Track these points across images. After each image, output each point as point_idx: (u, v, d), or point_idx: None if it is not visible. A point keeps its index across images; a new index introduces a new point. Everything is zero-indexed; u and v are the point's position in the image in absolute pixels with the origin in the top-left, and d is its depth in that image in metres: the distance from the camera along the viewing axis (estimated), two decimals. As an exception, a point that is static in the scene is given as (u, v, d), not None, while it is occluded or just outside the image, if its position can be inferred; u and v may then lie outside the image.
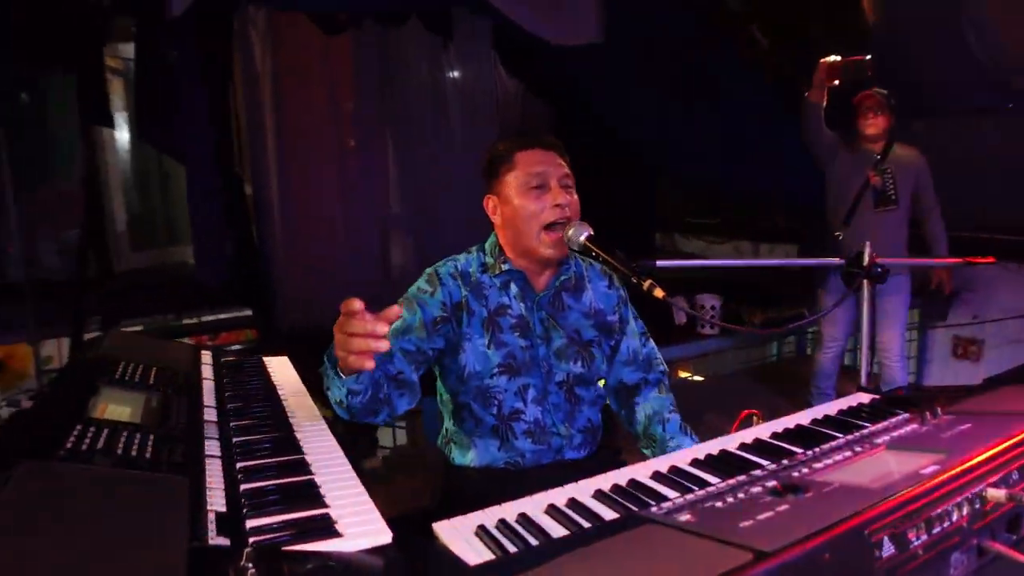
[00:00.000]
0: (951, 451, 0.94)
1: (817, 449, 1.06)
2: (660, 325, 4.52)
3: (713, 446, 1.20)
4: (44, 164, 4.73)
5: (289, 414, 1.30)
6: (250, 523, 0.84)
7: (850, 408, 1.35)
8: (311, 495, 0.94)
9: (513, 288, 1.53)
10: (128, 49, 4.27)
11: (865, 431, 1.14)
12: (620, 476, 1.08)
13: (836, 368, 3.56)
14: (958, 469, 0.87)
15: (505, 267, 1.52)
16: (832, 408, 1.36)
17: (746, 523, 0.77)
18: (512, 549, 0.87)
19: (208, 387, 1.37)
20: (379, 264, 4.96)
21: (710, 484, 0.99)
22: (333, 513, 0.89)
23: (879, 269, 1.55)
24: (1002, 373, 1.41)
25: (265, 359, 1.73)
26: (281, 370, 1.65)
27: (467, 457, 1.53)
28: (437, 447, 1.65)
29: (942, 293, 3.54)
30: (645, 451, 1.60)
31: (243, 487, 0.95)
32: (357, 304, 1.02)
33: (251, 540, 0.81)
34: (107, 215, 4.78)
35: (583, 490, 1.04)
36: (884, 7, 3.64)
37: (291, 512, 0.89)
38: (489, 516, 0.96)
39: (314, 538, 0.82)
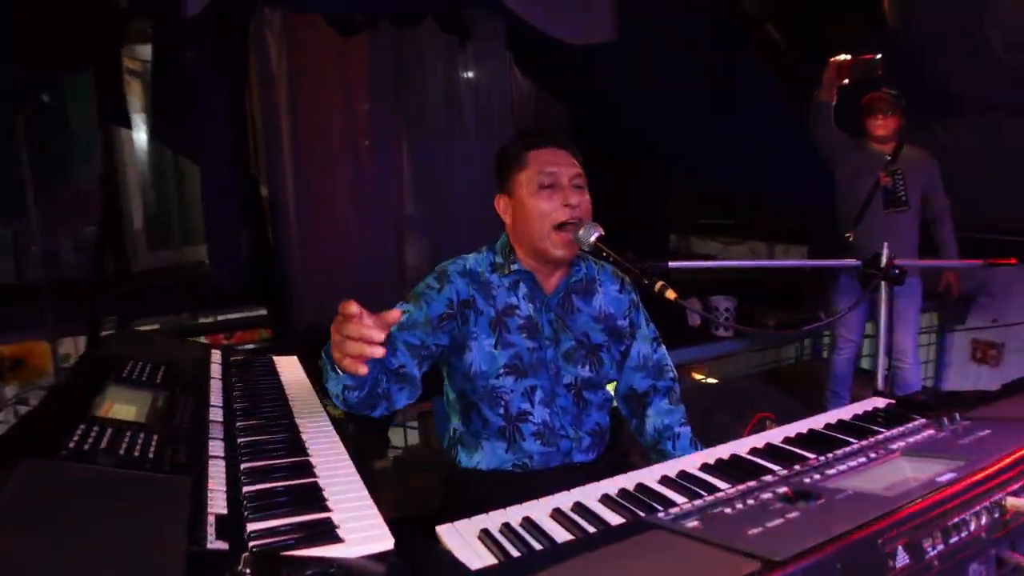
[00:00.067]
0: (969, 458, 0.91)
1: (830, 455, 1.03)
2: (674, 327, 4.52)
3: (724, 450, 1.18)
4: (64, 164, 4.79)
5: (296, 415, 1.29)
6: (251, 527, 0.83)
7: (865, 413, 1.33)
8: (314, 498, 0.93)
9: (522, 289, 1.52)
10: (146, 50, 4.31)
11: (880, 437, 1.11)
12: (628, 480, 1.06)
13: (850, 370, 3.52)
14: (976, 477, 0.84)
15: (515, 267, 1.51)
16: (847, 413, 1.33)
17: (755, 530, 0.75)
18: (516, 554, 0.85)
19: (216, 387, 1.36)
20: (393, 264, 4.97)
21: (719, 489, 0.97)
22: (335, 518, 0.88)
23: (897, 271, 1.51)
24: (1022, 378, 1.37)
25: (275, 359, 1.73)
26: (290, 370, 1.65)
27: (474, 459, 1.51)
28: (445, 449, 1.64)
29: (951, 295, 3.49)
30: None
31: (246, 489, 0.94)
32: (354, 307, 1.01)
33: (251, 544, 0.80)
34: (124, 215, 4.83)
35: (589, 494, 1.02)
36: (903, 6, 3.59)
37: (293, 516, 0.88)
38: (493, 520, 0.95)
39: (315, 543, 0.81)
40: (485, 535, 0.90)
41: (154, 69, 4.02)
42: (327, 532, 0.84)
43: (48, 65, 3.92)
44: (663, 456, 1.56)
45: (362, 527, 0.87)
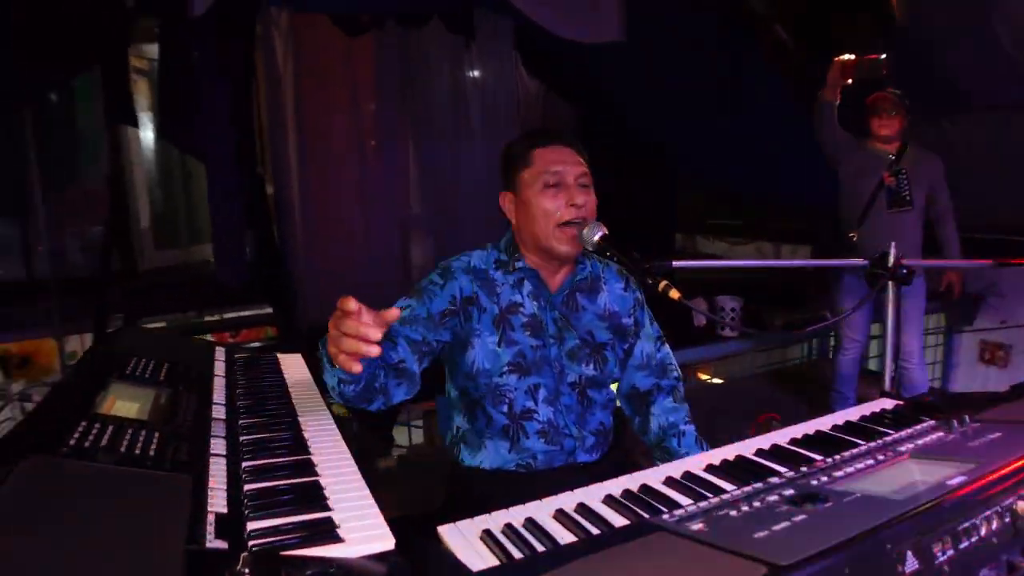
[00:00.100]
0: (979, 461, 0.89)
1: (838, 456, 1.02)
2: (680, 327, 4.51)
3: (729, 451, 1.16)
4: (71, 163, 4.81)
5: (299, 413, 1.29)
6: (251, 525, 0.83)
7: (873, 414, 1.31)
8: (315, 497, 0.93)
9: (527, 286, 1.51)
10: (153, 49, 4.32)
11: (888, 438, 1.09)
12: (631, 481, 1.05)
13: (856, 371, 3.50)
14: (987, 480, 0.82)
15: (519, 265, 1.50)
16: (854, 414, 1.31)
17: (761, 534, 0.73)
18: (518, 555, 0.84)
19: (219, 384, 1.36)
20: (399, 264, 4.97)
21: (724, 491, 0.95)
22: (336, 517, 0.87)
23: (904, 270, 1.50)
24: (1033, 379, 1.35)
25: (280, 357, 1.72)
26: (295, 368, 1.64)
27: (477, 458, 1.51)
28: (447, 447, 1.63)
29: (952, 296, 3.46)
30: (660, 463, 1.57)
31: (246, 488, 0.93)
32: (352, 304, 1.00)
33: (251, 543, 0.79)
34: (131, 214, 4.85)
35: (593, 495, 1.01)
36: (912, 2, 3.56)
37: (293, 515, 0.87)
38: (495, 520, 0.94)
39: (315, 543, 0.80)
40: (487, 536, 0.89)
41: (161, 68, 4.03)
42: (327, 532, 0.83)
43: (55, 64, 3.94)
44: (667, 453, 1.55)
45: (363, 527, 0.86)
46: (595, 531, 0.90)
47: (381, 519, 0.89)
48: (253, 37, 4.30)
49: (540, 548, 0.86)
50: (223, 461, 0.99)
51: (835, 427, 1.25)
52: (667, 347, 1.66)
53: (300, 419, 1.25)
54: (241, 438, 1.11)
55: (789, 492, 0.86)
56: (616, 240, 1.38)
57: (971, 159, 4.13)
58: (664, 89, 4.68)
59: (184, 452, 0.96)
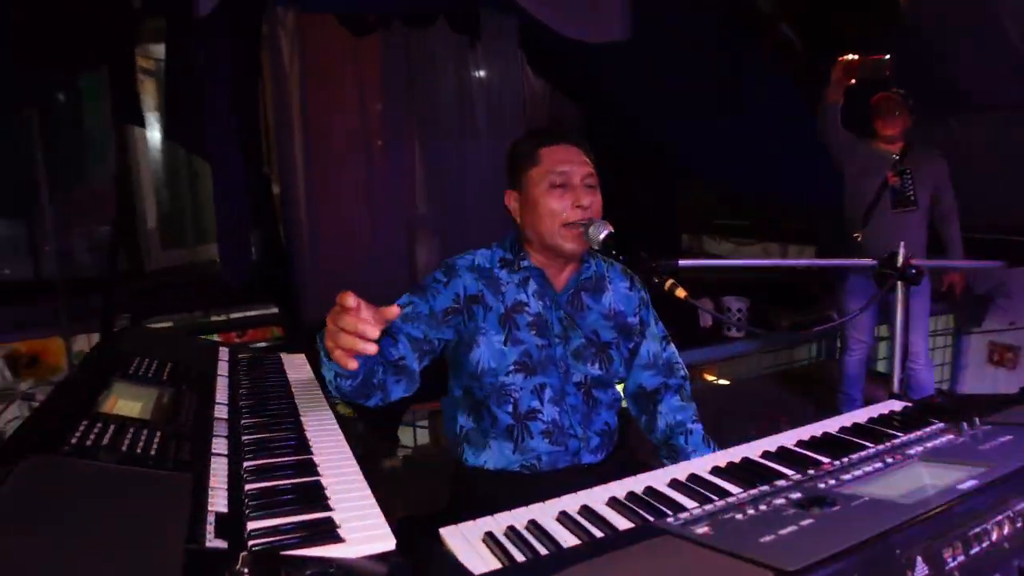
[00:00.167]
0: (990, 464, 0.88)
1: (845, 459, 1.00)
2: (686, 327, 4.49)
3: (735, 453, 1.15)
4: (78, 164, 4.83)
5: (301, 413, 1.28)
6: (251, 525, 0.82)
7: (881, 416, 1.29)
8: (316, 497, 0.92)
9: (532, 285, 1.50)
10: (160, 50, 4.33)
11: (897, 441, 1.08)
12: (636, 483, 1.04)
13: (862, 372, 3.49)
14: (998, 484, 0.81)
15: (524, 264, 1.49)
16: (862, 416, 1.30)
17: (767, 538, 0.72)
18: (520, 558, 0.83)
19: (222, 384, 1.35)
20: (405, 264, 4.97)
21: (730, 494, 0.94)
22: (337, 517, 0.87)
23: (913, 271, 1.48)
24: (1044, 381, 1.33)
25: (283, 356, 1.72)
26: (298, 368, 1.64)
27: (481, 457, 1.50)
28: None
29: (954, 296, 3.44)
30: (666, 461, 1.56)
31: (247, 487, 0.93)
32: (351, 300, 0.99)
33: (250, 543, 0.78)
34: (138, 214, 4.87)
35: (597, 497, 1.00)
36: (917, 1, 3.54)
37: (294, 515, 0.86)
38: (498, 522, 0.93)
39: (315, 543, 0.80)
40: (489, 538, 0.88)
41: (167, 68, 4.05)
42: (328, 532, 0.83)
43: (62, 65, 3.95)
44: (674, 451, 1.53)
45: (364, 527, 0.85)
46: (598, 534, 0.89)
47: (382, 519, 0.88)
48: (259, 37, 4.31)
49: (543, 551, 0.85)
50: (224, 461, 0.99)
51: (843, 429, 1.24)
52: (673, 346, 1.65)
53: (302, 419, 1.24)
54: (243, 438, 1.10)
55: (796, 495, 0.85)
56: (622, 239, 1.37)
57: (977, 159, 4.10)
58: (668, 88, 4.66)
59: (185, 452, 0.96)
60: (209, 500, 0.85)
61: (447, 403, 1.65)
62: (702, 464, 1.11)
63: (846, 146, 3.23)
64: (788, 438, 1.20)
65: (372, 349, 1.00)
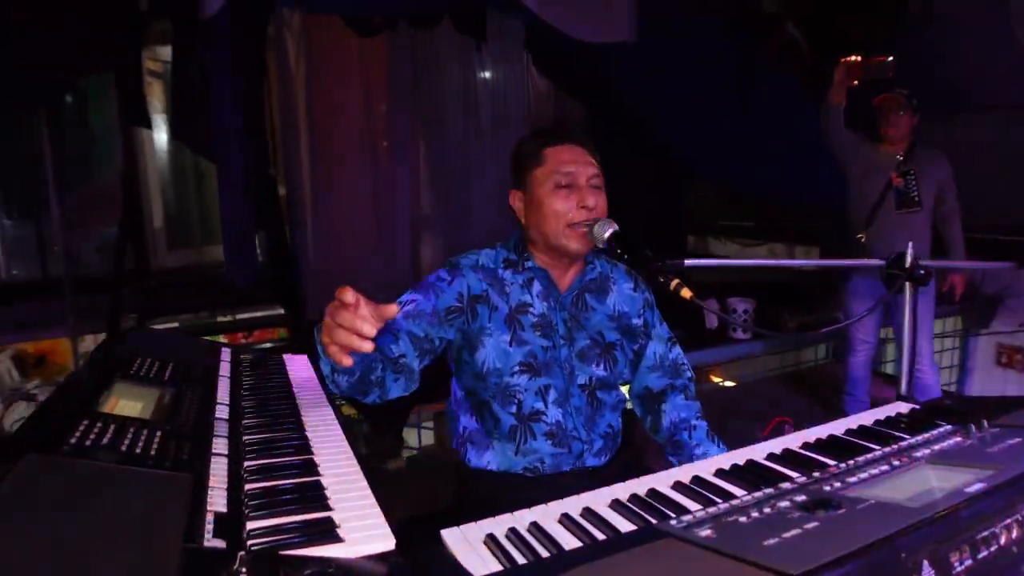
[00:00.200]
0: (999, 467, 0.86)
1: (851, 462, 0.99)
2: (692, 329, 4.47)
3: (739, 455, 1.14)
4: (85, 164, 4.86)
5: (303, 413, 1.28)
6: (250, 525, 0.82)
7: (888, 418, 1.28)
8: (316, 497, 0.91)
9: (536, 286, 1.49)
10: (167, 51, 4.35)
11: (904, 443, 1.06)
12: (639, 485, 1.03)
13: (867, 373, 3.47)
14: (1006, 487, 0.80)
15: (529, 264, 1.48)
16: (869, 418, 1.29)
17: (771, 541, 0.71)
18: (521, 560, 0.83)
19: (223, 384, 1.35)
20: (410, 265, 4.97)
21: (734, 496, 0.93)
22: (336, 517, 0.86)
23: (922, 271, 1.47)
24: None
25: (286, 357, 1.71)
26: (301, 368, 1.64)
27: (484, 458, 1.49)
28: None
29: (953, 297, 3.42)
30: (671, 458, 1.55)
31: (247, 487, 0.92)
32: (350, 295, 0.97)
33: (249, 543, 0.78)
34: (145, 214, 4.89)
35: (599, 499, 0.99)
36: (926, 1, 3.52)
37: (293, 515, 0.86)
38: (500, 524, 0.92)
39: (314, 543, 0.79)
40: (491, 540, 0.88)
41: (174, 70, 4.05)
42: (327, 532, 0.82)
43: (69, 66, 3.97)
44: (679, 447, 1.52)
45: (364, 527, 0.85)
46: (600, 536, 0.89)
47: (382, 519, 0.87)
48: (265, 38, 4.32)
49: (544, 553, 0.84)
50: (224, 460, 0.98)
51: (849, 431, 1.23)
52: (678, 347, 1.64)
53: (304, 419, 1.24)
54: (244, 438, 1.10)
55: (801, 498, 0.84)
56: (626, 238, 1.36)
57: (984, 159, 4.07)
58: (674, 89, 4.64)
59: (185, 451, 0.96)
60: (208, 500, 0.84)
61: (449, 404, 1.64)
62: (706, 466, 1.10)
63: (850, 147, 3.21)
64: (793, 440, 1.19)
65: (368, 347, 0.98)
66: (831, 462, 1.04)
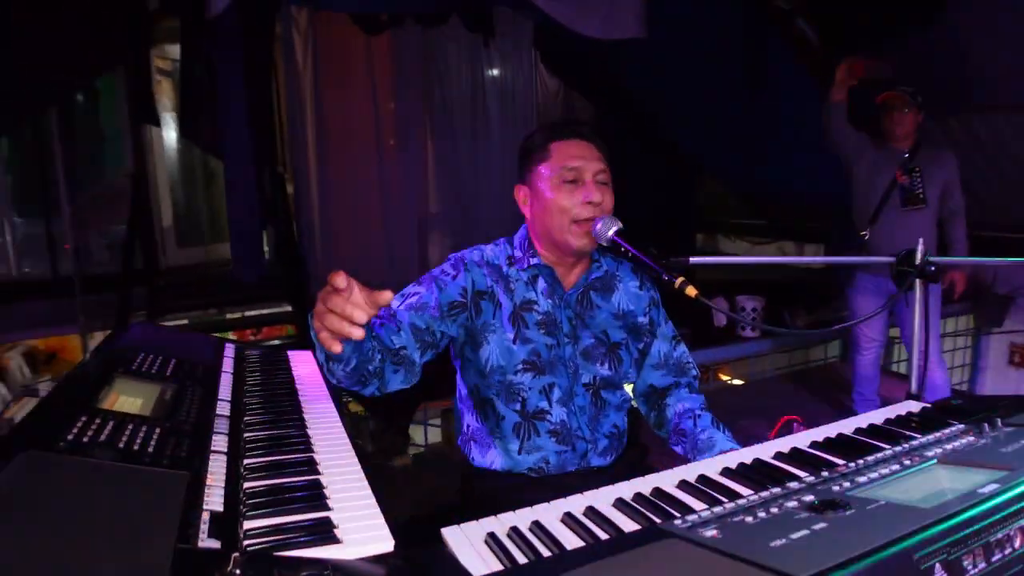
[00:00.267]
0: (1013, 467, 0.84)
1: (861, 461, 0.97)
2: (700, 327, 4.44)
3: (746, 454, 1.12)
4: (95, 162, 4.89)
5: (305, 410, 1.27)
6: (247, 525, 0.80)
7: (898, 417, 1.25)
8: (315, 497, 0.90)
9: (540, 283, 1.47)
10: (176, 50, 4.36)
11: (915, 443, 1.04)
12: (644, 484, 1.01)
13: (876, 371, 3.43)
14: (1021, 488, 0.77)
15: (534, 261, 1.46)
16: (878, 416, 1.26)
17: (778, 542, 0.69)
18: (522, 560, 0.81)
19: (225, 381, 1.34)
20: (417, 263, 4.97)
21: (740, 496, 0.91)
22: (335, 517, 0.85)
23: (932, 268, 1.44)
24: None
25: (290, 353, 1.70)
26: (305, 365, 1.63)
27: (487, 458, 1.47)
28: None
29: (953, 295, 3.38)
30: (675, 447, 1.52)
31: (245, 486, 0.91)
32: (341, 280, 0.95)
33: (245, 543, 0.77)
34: (154, 212, 4.90)
35: (603, 498, 0.97)
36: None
37: (291, 514, 0.84)
38: (501, 523, 0.91)
39: (311, 544, 0.78)
40: (491, 539, 0.86)
41: (182, 68, 4.07)
42: (325, 532, 0.81)
43: (79, 66, 3.98)
44: (683, 434, 1.49)
45: (362, 527, 0.83)
46: (603, 536, 0.87)
47: (382, 520, 0.86)
48: (273, 36, 4.32)
49: (545, 552, 0.83)
50: (223, 458, 0.97)
51: (858, 430, 1.20)
52: (683, 346, 1.61)
53: (306, 416, 1.23)
54: (244, 435, 1.09)
55: (809, 498, 0.82)
56: (633, 236, 1.34)
57: (1001, 157, 4.02)
58: (683, 87, 4.61)
59: (184, 448, 0.95)
60: (205, 498, 0.83)
61: (456, 402, 1.63)
62: (712, 465, 1.08)
63: (854, 145, 3.19)
64: (802, 439, 1.17)
65: (358, 334, 0.96)
66: (840, 461, 1.02)
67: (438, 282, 1.41)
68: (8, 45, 3.44)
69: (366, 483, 0.97)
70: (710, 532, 0.75)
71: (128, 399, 1.08)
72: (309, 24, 4.36)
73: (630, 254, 1.30)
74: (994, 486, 0.78)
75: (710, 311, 4.62)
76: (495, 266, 1.47)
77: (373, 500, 0.91)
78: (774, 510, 0.80)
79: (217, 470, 0.93)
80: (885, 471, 0.90)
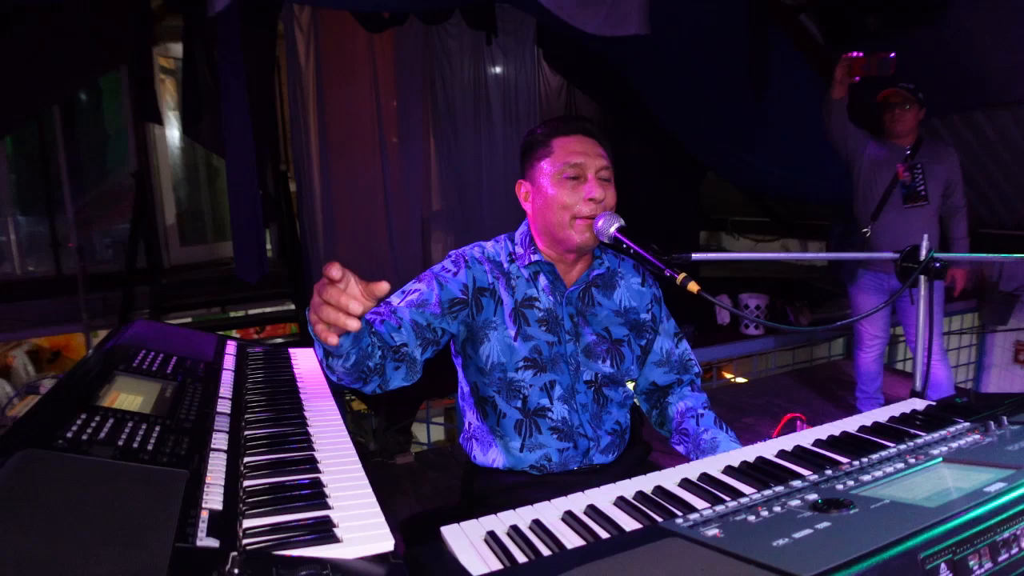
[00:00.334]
0: (1019, 466, 0.83)
1: (865, 460, 0.96)
2: (704, 325, 4.43)
3: (749, 452, 1.11)
4: (99, 162, 4.90)
5: (306, 409, 1.26)
6: (246, 523, 0.80)
7: (903, 415, 1.24)
8: (315, 495, 0.89)
9: (542, 280, 1.46)
10: (179, 49, 4.37)
11: (920, 441, 1.03)
12: (646, 482, 1.00)
13: (879, 369, 3.42)
14: (1028, 487, 0.76)
15: (535, 258, 1.46)
16: (883, 414, 1.25)
17: (780, 541, 0.68)
18: (522, 558, 0.80)
19: (227, 379, 1.34)
20: (420, 260, 4.97)
21: (743, 494, 0.90)
22: (335, 516, 0.84)
23: (937, 264, 1.43)
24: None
25: (292, 351, 1.70)
26: (307, 363, 1.62)
27: (489, 456, 1.47)
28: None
29: (953, 293, 3.36)
30: (677, 447, 1.52)
31: (245, 484, 0.91)
32: (336, 271, 0.94)
33: (244, 542, 0.76)
34: (157, 211, 4.92)
35: (604, 496, 0.97)
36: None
37: (291, 513, 0.84)
38: (501, 522, 0.90)
39: (311, 543, 0.77)
40: (491, 538, 0.85)
41: (185, 66, 4.07)
42: (325, 531, 0.80)
43: (83, 65, 3.99)
44: (686, 434, 1.49)
45: (362, 527, 0.83)
46: (604, 534, 0.86)
47: (382, 519, 0.85)
48: (275, 34, 4.32)
49: (545, 551, 0.82)
50: (223, 456, 0.97)
51: (862, 428, 1.19)
52: (686, 343, 1.61)
53: (307, 414, 1.22)
54: (244, 433, 1.09)
55: (812, 497, 0.81)
56: (635, 234, 1.33)
57: (1009, 155, 4.00)
58: (686, 83, 4.59)
59: (183, 446, 0.94)
60: (204, 497, 0.83)
61: (458, 400, 1.62)
62: (714, 463, 1.08)
63: (856, 141, 3.17)
64: (805, 437, 1.16)
65: (354, 325, 0.95)
66: (844, 460, 1.01)
67: (439, 279, 1.40)
68: (12, 45, 3.45)
69: (367, 482, 0.96)
70: (712, 531, 0.75)
71: (128, 397, 1.07)
72: (311, 22, 4.36)
73: (632, 250, 1.29)
74: (1000, 485, 0.77)
75: (714, 309, 4.61)
76: (496, 262, 1.47)
77: (374, 499, 0.90)
78: (777, 509, 0.79)
79: (217, 468, 0.92)
80: (889, 470, 0.90)
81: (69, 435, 0.88)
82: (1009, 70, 3.59)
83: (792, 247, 6.49)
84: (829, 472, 0.92)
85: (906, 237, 1.48)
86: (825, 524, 0.72)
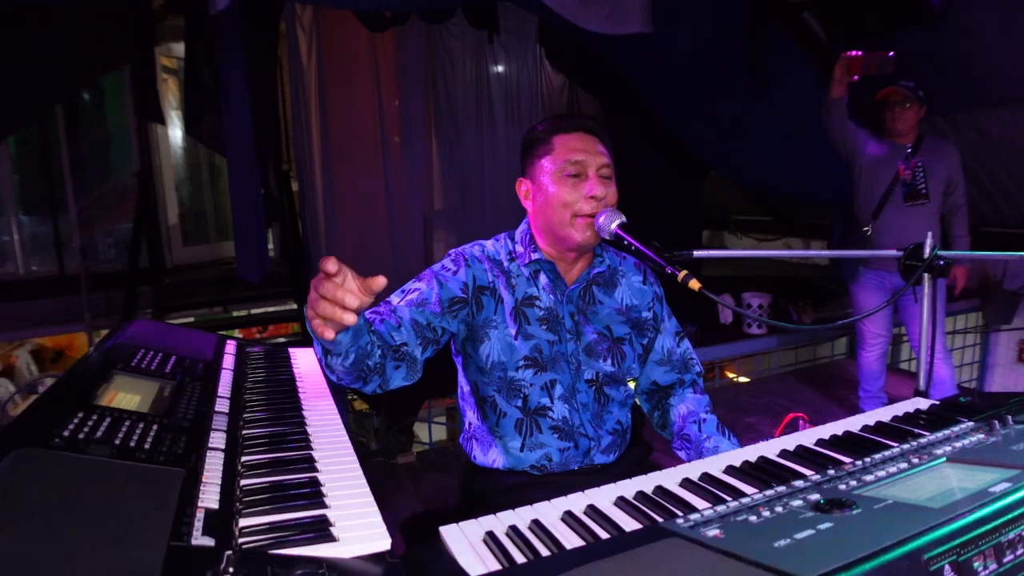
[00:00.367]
0: (1024, 466, 0.82)
1: (868, 459, 0.95)
2: (706, 324, 4.42)
3: (751, 452, 1.10)
4: (101, 161, 4.90)
5: (305, 408, 1.25)
6: (242, 522, 0.79)
7: (906, 414, 1.23)
8: (312, 495, 0.89)
9: (542, 279, 1.45)
10: (182, 49, 4.37)
11: (923, 441, 1.02)
12: (646, 482, 1.00)
13: (882, 368, 3.40)
14: (1033, 487, 0.75)
15: (535, 256, 1.45)
16: (886, 414, 1.24)
17: (782, 542, 0.68)
18: (520, 559, 0.80)
19: (226, 378, 1.33)
20: (422, 260, 4.97)
21: (744, 495, 0.89)
22: (331, 515, 0.84)
23: (941, 262, 1.41)
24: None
25: (292, 351, 1.69)
26: (306, 362, 1.62)
27: (489, 456, 1.46)
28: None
29: (954, 291, 3.35)
30: (679, 452, 1.51)
31: (242, 483, 0.90)
32: (332, 265, 0.93)
33: (240, 541, 0.75)
34: (160, 210, 4.92)
35: (604, 496, 0.96)
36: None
37: (287, 512, 0.83)
38: (500, 522, 0.89)
39: (307, 542, 0.77)
40: (490, 538, 0.85)
41: (187, 66, 4.07)
42: (321, 530, 0.80)
43: (85, 65, 3.99)
44: (688, 440, 1.48)
45: (359, 526, 0.82)
46: (603, 535, 0.85)
47: (379, 518, 0.84)
48: (277, 34, 4.32)
49: (544, 552, 0.81)
50: (220, 455, 0.96)
51: (865, 428, 1.18)
52: (687, 342, 1.60)
53: (305, 414, 1.22)
54: (242, 432, 1.08)
55: (814, 497, 0.80)
56: (637, 232, 1.32)
57: (1009, 153, 3.98)
58: (688, 81, 4.58)
59: (181, 445, 0.93)
60: (200, 496, 0.82)
61: (459, 399, 1.61)
62: (716, 463, 1.07)
63: (856, 140, 3.16)
64: (808, 437, 1.15)
65: (350, 319, 0.94)
66: (847, 460, 1.00)
67: (439, 278, 1.40)
68: (13, 45, 3.45)
69: (364, 481, 0.96)
70: (713, 531, 0.74)
71: (126, 396, 1.07)
72: (313, 21, 4.36)
73: (633, 248, 1.28)
74: (1005, 485, 0.76)
75: (716, 309, 4.60)
76: (496, 261, 1.46)
77: (371, 498, 0.90)
78: (779, 509, 0.78)
79: (214, 467, 0.92)
80: (893, 470, 0.89)
81: (66, 434, 0.87)
82: (1010, 69, 3.57)
83: (795, 246, 6.48)
84: (832, 472, 0.91)
85: (907, 235, 1.47)
86: (827, 524, 0.71)
